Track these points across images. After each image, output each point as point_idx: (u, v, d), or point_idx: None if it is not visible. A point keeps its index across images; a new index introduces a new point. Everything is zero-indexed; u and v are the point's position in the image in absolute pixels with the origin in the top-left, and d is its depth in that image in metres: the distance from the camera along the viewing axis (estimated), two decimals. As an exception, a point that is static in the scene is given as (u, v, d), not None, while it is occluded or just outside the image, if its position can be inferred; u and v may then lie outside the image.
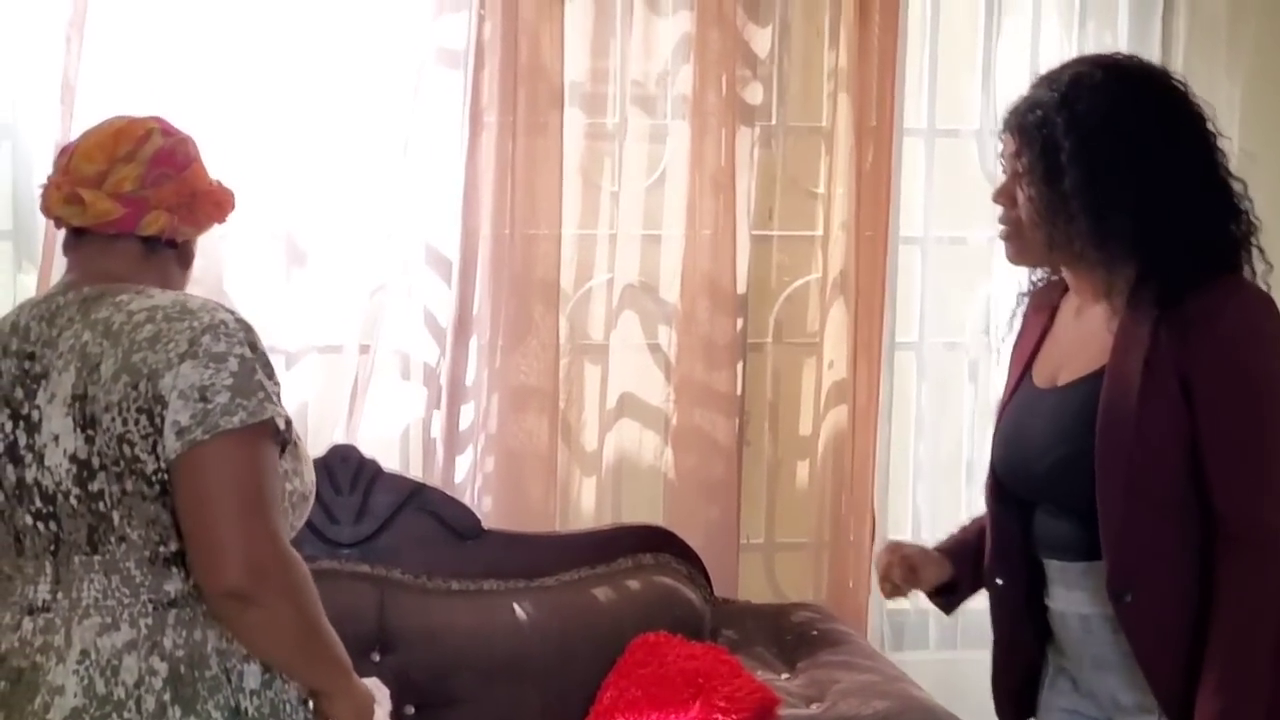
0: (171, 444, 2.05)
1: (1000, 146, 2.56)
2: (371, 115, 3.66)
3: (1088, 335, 2.51)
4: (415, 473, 3.72)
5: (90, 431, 2.08)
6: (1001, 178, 2.54)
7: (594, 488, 3.82)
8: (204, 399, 2.06)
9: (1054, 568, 2.54)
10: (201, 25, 3.52)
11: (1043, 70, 3.82)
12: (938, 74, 4.03)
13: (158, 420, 2.06)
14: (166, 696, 2.08)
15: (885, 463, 4.01)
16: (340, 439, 3.62)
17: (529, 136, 3.64)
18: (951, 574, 2.74)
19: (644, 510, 3.82)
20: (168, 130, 2.29)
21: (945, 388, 4.14)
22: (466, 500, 3.68)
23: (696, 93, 3.72)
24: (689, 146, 3.74)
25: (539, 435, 3.70)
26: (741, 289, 3.81)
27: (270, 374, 2.14)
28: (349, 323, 3.67)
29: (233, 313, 2.16)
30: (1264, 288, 2.45)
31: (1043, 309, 2.66)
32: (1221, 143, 2.47)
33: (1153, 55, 3.79)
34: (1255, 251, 2.45)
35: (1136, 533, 2.40)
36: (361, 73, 3.62)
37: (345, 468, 3.57)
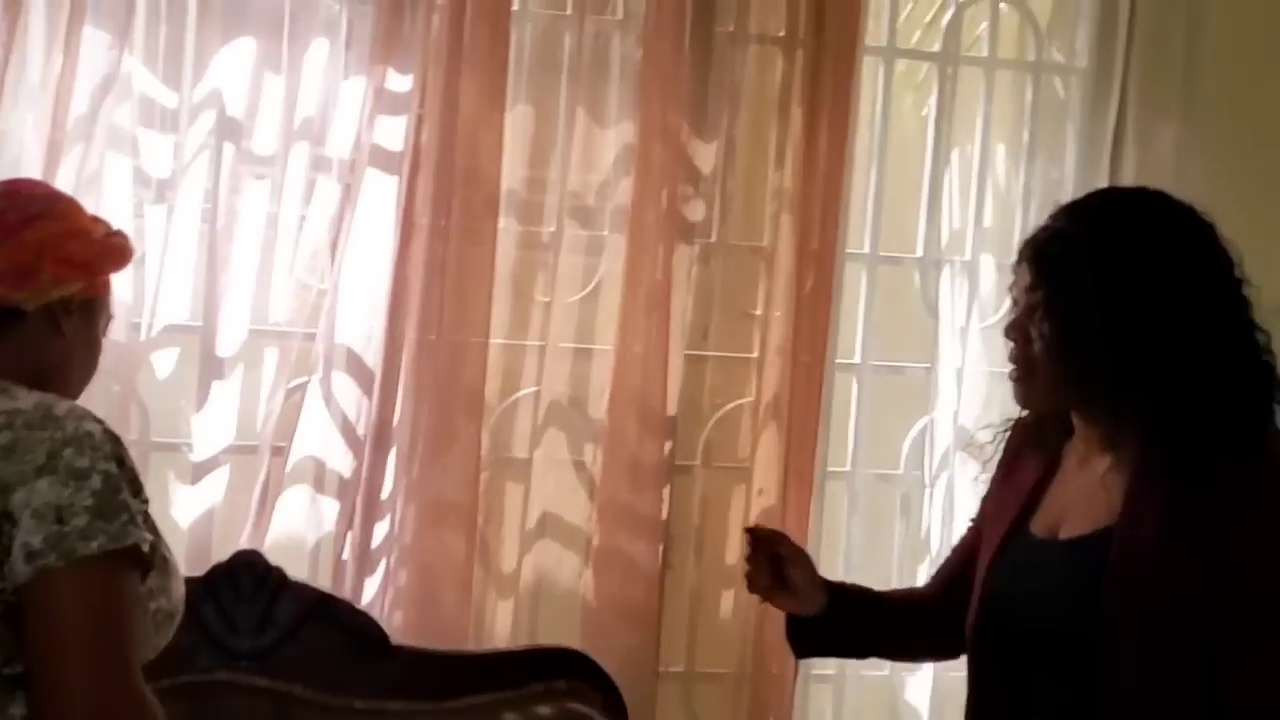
0: (21, 568, 1.92)
1: (1015, 278, 2.51)
2: (303, 213, 3.60)
3: (1093, 487, 2.44)
4: (324, 584, 3.63)
5: None
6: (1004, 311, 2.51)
7: (510, 609, 3.74)
8: (60, 520, 1.93)
9: None
10: (119, 117, 3.48)
11: (989, 200, 3.94)
12: (883, 200, 4.01)
13: (5, 539, 1.93)
14: None
15: (812, 596, 3.95)
16: (246, 545, 3.54)
17: (462, 242, 3.59)
18: (823, 607, 2.70)
19: (561, 633, 3.74)
20: (7, 190, 2.20)
21: (876, 521, 4.09)
22: (376, 615, 3.59)
23: (636, 206, 3.68)
24: (625, 260, 3.70)
25: (455, 551, 3.63)
26: (672, 410, 3.76)
27: (137, 491, 2.04)
28: (263, 423, 3.60)
29: (101, 423, 2.05)
30: None
31: (1039, 451, 2.59)
32: (1247, 290, 2.43)
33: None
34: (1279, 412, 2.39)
35: (1143, 707, 2.34)
36: (293, 170, 3.57)
37: (249, 574, 3.48)
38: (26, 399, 2.05)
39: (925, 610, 2.83)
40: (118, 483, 2.00)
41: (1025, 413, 2.67)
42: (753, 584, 2.76)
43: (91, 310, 2.25)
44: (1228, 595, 2.30)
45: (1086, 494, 2.46)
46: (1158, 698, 2.33)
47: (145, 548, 2.01)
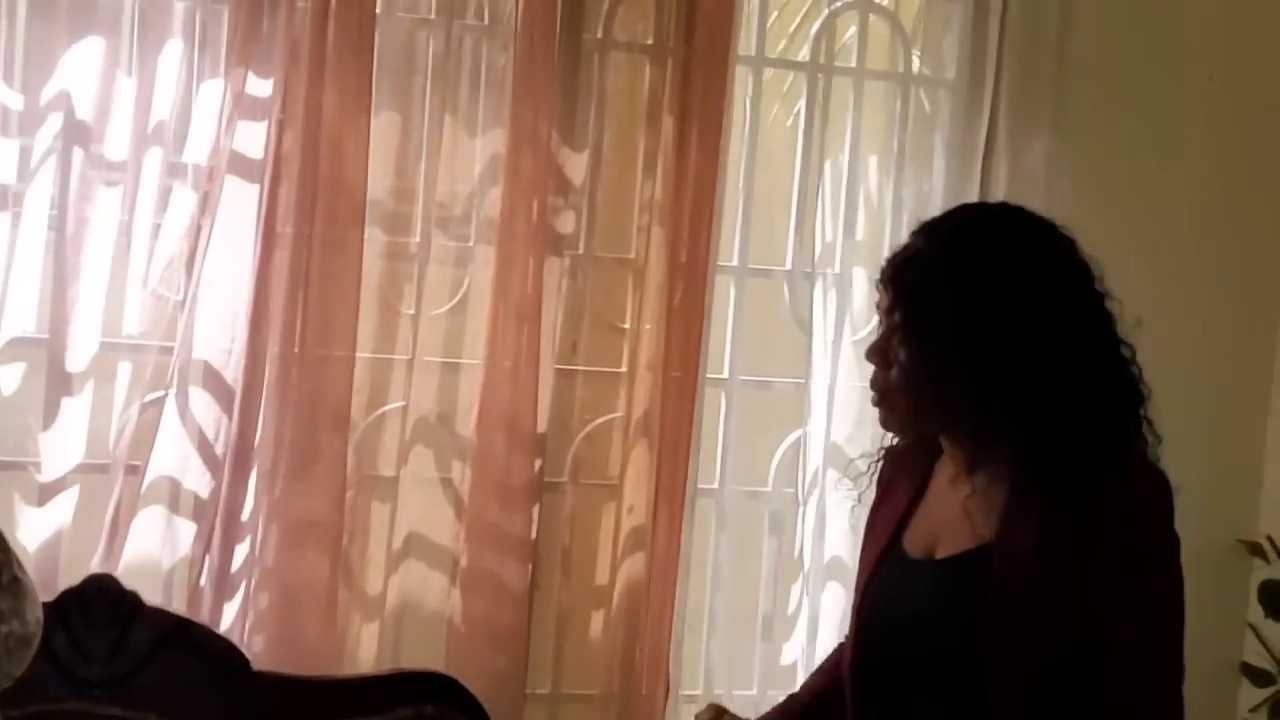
0: None
1: (878, 299, 2.47)
2: (157, 221, 3.48)
3: (966, 506, 2.40)
4: (180, 609, 3.51)
5: None
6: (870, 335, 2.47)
7: (375, 632, 3.64)
8: None
9: None
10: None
11: (861, 213, 3.92)
12: (751, 211, 3.97)
13: None
14: None
15: (680, 614, 3.88)
16: (98, 568, 3.41)
17: (326, 252, 3.49)
18: None
19: (427, 656, 3.65)
20: None
21: (745, 539, 4.04)
22: (236, 640, 3.48)
23: (505, 217, 3.60)
24: (494, 272, 3.62)
25: (319, 573, 3.53)
26: (542, 427, 3.68)
27: None
28: (116, 440, 3.48)
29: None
30: (1155, 459, 2.39)
31: (911, 472, 2.55)
32: (1110, 304, 2.40)
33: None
34: (1145, 424, 2.39)
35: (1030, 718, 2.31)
36: (147, 176, 3.44)
37: (102, 599, 3.35)
38: None
39: None
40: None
41: (895, 440, 2.64)
42: None
43: None
44: (1105, 607, 2.30)
45: (959, 513, 2.42)
46: (1042, 712, 2.32)
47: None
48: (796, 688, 3.82)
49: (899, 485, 2.60)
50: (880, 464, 2.67)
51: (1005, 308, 2.33)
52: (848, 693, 2.58)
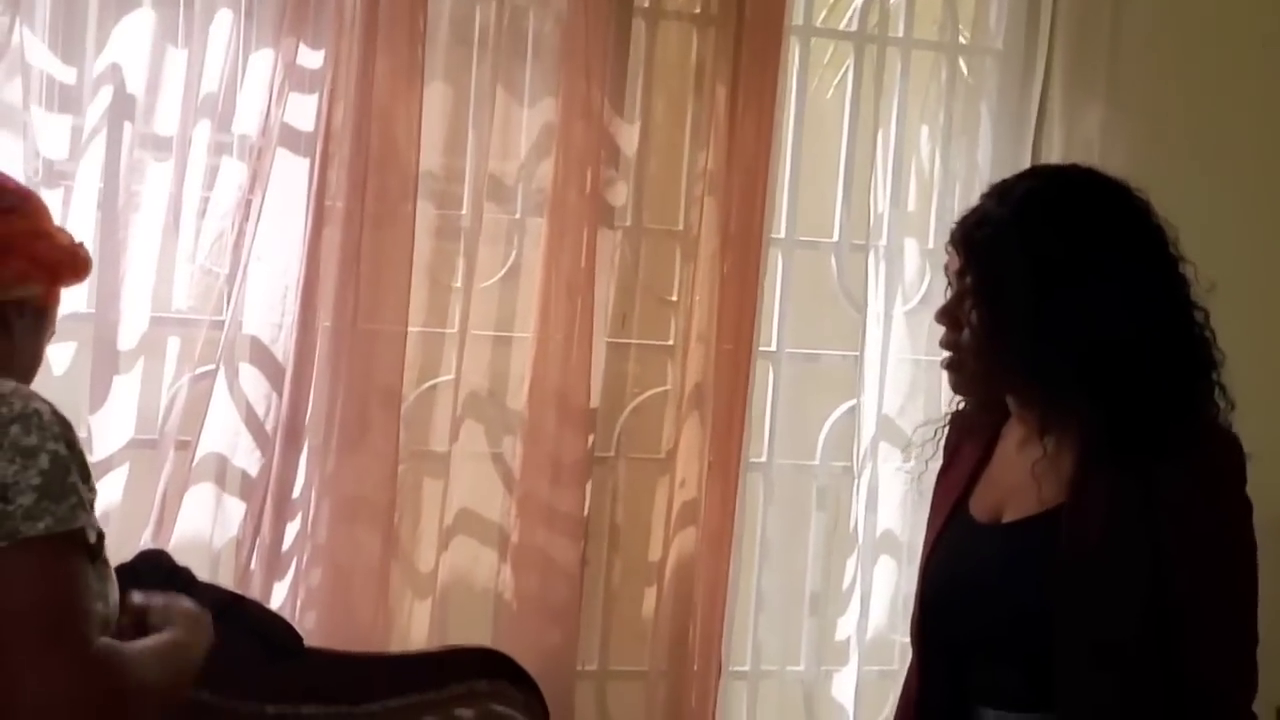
0: None
1: (945, 260, 2.47)
2: (205, 195, 3.48)
3: (1035, 470, 2.40)
4: (229, 586, 3.52)
5: None
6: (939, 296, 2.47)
7: (427, 609, 3.65)
8: (4, 498, 1.87)
9: (990, 717, 2.45)
10: (10, 93, 3.34)
11: (912, 184, 3.92)
12: (800, 183, 3.98)
13: None
14: None
15: (732, 590, 3.90)
16: (148, 546, 3.43)
17: (377, 227, 3.50)
18: None
19: (478, 632, 3.67)
20: None
21: (793, 513, 4.05)
22: (288, 614, 3.49)
23: (557, 188, 3.61)
24: (545, 245, 3.63)
25: (370, 550, 3.55)
26: (595, 402, 3.69)
27: (85, 477, 1.96)
28: (165, 416, 3.49)
29: (49, 404, 1.98)
30: (1227, 424, 2.39)
31: (977, 436, 2.56)
32: (1184, 267, 2.40)
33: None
34: (1218, 389, 2.39)
35: (1097, 686, 2.32)
36: (196, 150, 3.44)
37: (154, 575, 3.34)
38: None
39: None
40: (67, 464, 1.93)
41: (963, 404, 2.64)
42: None
43: (42, 318, 2.18)
44: (1176, 573, 2.31)
45: (1027, 478, 2.43)
46: (1111, 678, 2.33)
47: (92, 537, 1.95)
48: (851, 663, 3.89)
49: (965, 450, 2.61)
50: (946, 429, 2.68)
51: (1079, 271, 2.34)
52: (914, 656, 2.60)
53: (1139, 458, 2.31)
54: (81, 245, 2.19)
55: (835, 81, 4.12)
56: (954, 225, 2.49)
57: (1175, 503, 2.30)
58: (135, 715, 1.93)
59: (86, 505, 1.94)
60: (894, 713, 2.77)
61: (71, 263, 2.16)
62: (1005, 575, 2.42)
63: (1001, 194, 2.45)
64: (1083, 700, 2.33)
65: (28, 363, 2.17)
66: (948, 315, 2.46)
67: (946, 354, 2.50)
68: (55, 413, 1.97)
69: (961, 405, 2.65)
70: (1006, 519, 2.47)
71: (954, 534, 2.54)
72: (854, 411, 3.98)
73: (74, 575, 1.92)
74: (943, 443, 2.69)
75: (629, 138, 3.72)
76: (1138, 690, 2.33)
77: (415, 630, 3.66)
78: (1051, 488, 2.39)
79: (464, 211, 3.65)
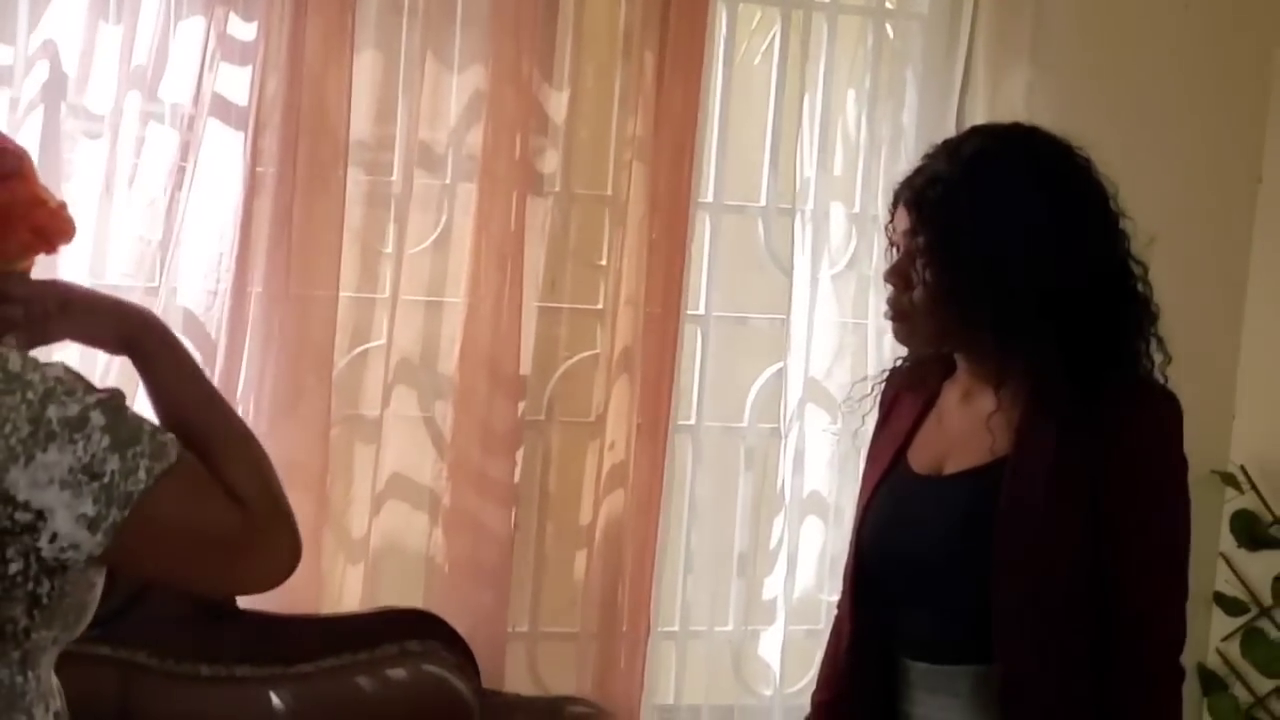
0: (88, 541, 1.87)
1: (890, 219, 2.59)
2: (135, 162, 3.60)
3: (978, 423, 2.53)
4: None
5: None
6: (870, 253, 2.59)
7: (360, 572, 3.79)
8: (95, 475, 1.86)
9: (918, 670, 2.56)
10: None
11: (839, 148, 4.04)
12: (728, 148, 4.12)
13: (3, 523, 1.87)
14: None
15: (660, 551, 4.04)
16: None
17: (309, 194, 3.62)
18: None
19: (411, 595, 3.81)
20: None
21: (722, 475, 4.20)
22: (221, 579, 3.62)
23: (487, 154, 3.75)
24: (475, 211, 3.76)
25: (304, 514, 3.65)
26: (525, 369, 3.84)
27: (124, 400, 1.95)
28: (101, 382, 3.58)
29: (53, 364, 1.94)
30: (1162, 379, 2.54)
31: (916, 391, 2.68)
32: (1124, 223, 2.54)
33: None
34: (1155, 341, 2.53)
35: (1035, 637, 2.45)
36: (128, 120, 3.56)
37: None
38: None
39: None
40: (113, 405, 1.92)
41: (900, 360, 2.77)
42: None
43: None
44: (1115, 525, 2.43)
45: (970, 430, 2.56)
46: (1049, 628, 2.46)
47: (175, 443, 1.94)
48: (778, 622, 4.03)
49: (904, 403, 2.71)
50: (882, 385, 2.79)
51: (1028, 228, 2.46)
52: (849, 604, 2.70)
53: (1082, 413, 2.43)
54: (64, 205, 2.15)
55: (763, 47, 4.24)
56: (900, 185, 2.59)
57: (1116, 454, 2.43)
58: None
59: (149, 425, 1.94)
60: (819, 668, 2.88)
61: (64, 228, 2.13)
62: (946, 523, 2.53)
63: (950, 153, 2.56)
64: (1019, 648, 2.45)
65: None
66: (898, 275, 2.55)
67: (893, 313, 2.59)
68: (64, 368, 1.95)
69: (899, 362, 2.78)
70: (948, 470, 2.58)
71: (893, 485, 2.65)
72: (781, 374, 4.12)
73: (199, 479, 1.94)
74: (879, 399, 2.80)
75: (558, 105, 3.85)
76: (1074, 639, 2.46)
77: (348, 593, 3.80)
78: (995, 441, 2.51)
79: (395, 178, 3.78)
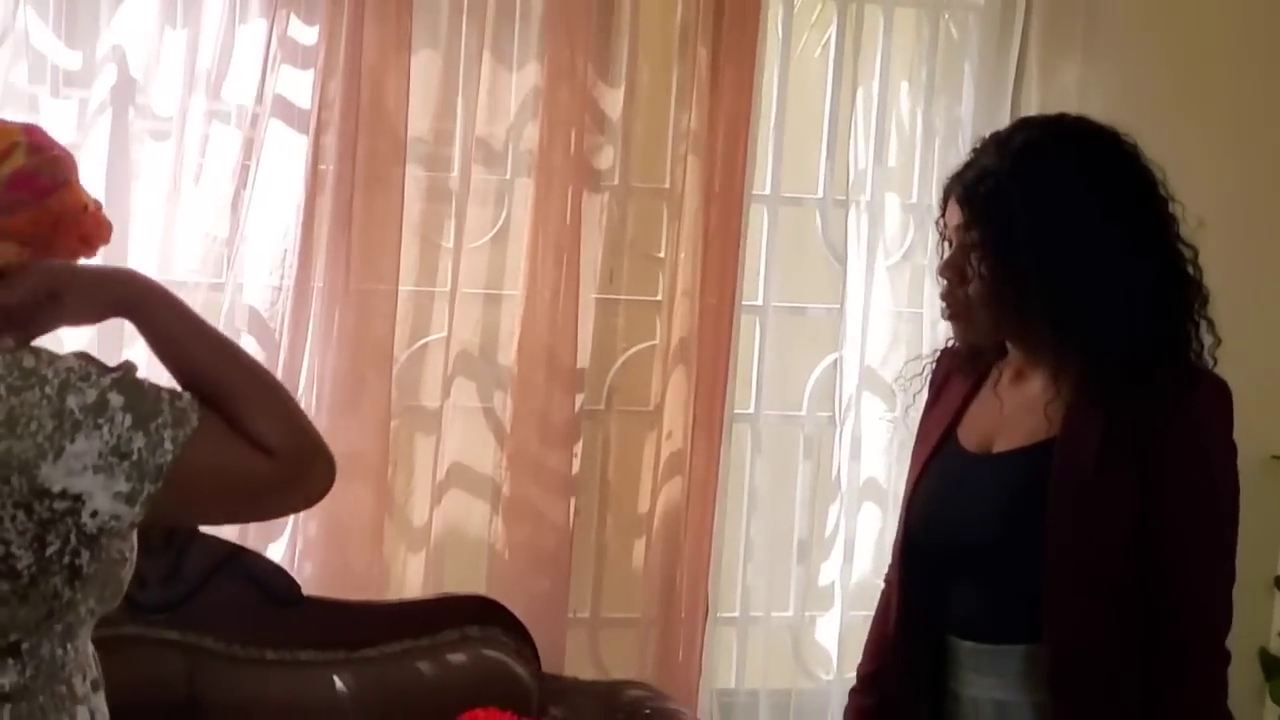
0: (128, 513, 1.98)
1: (941, 215, 2.66)
2: (204, 166, 3.74)
3: (1029, 404, 2.60)
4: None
5: None
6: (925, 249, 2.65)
7: (421, 561, 3.92)
8: (124, 455, 1.95)
9: (967, 649, 2.62)
10: (16, 75, 3.58)
11: (893, 139, 4.12)
12: (784, 141, 4.21)
13: (41, 518, 1.98)
14: None
15: (718, 538, 4.15)
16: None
17: (369, 191, 3.75)
18: None
19: (471, 583, 3.94)
20: (37, 145, 2.12)
21: (780, 463, 4.30)
22: (286, 565, 3.76)
23: (543, 150, 3.86)
24: (533, 205, 3.88)
25: (364, 503, 3.80)
26: (583, 362, 3.95)
27: (136, 371, 2.03)
28: (168, 379, 3.71)
29: (66, 355, 2.02)
30: (1210, 362, 2.59)
31: (968, 370, 2.74)
32: (1173, 207, 2.59)
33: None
34: (1205, 324, 2.59)
35: (1083, 617, 2.51)
36: (194, 122, 3.70)
37: (156, 527, 3.61)
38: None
39: None
40: (128, 381, 1.99)
41: (950, 341, 2.84)
42: None
43: None
44: (1162, 506, 2.49)
45: (1021, 410, 2.62)
46: (1097, 607, 2.52)
47: (194, 406, 2.01)
48: (835, 608, 4.11)
49: (954, 383, 2.79)
50: (935, 366, 2.87)
51: (1079, 218, 2.52)
52: (898, 579, 2.77)
53: (1132, 396, 2.50)
54: (100, 206, 2.23)
55: (822, 40, 4.31)
56: (950, 180, 2.67)
57: (1164, 442, 2.49)
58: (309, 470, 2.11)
59: (167, 393, 2.01)
60: (865, 642, 2.96)
61: (102, 232, 2.21)
62: (995, 501, 2.59)
63: (998, 146, 2.62)
64: (1068, 627, 2.51)
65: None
66: (953, 269, 2.63)
67: (949, 311, 2.67)
68: (76, 355, 2.03)
69: (949, 342, 2.85)
70: (998, 449, 2.64)
71: (943, 463, 2.71)
72: (837, 363, 4.22)
73: (223, 437, 2.00)
74: (929, 379, 2.88)
75: (613, 101, 3.96)
76: (1122, 620, 2.51)
77: (410, 580, 3.93)
78: (1045, 421, 2.58)
79: (453, 174, 3.90)
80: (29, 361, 1.99)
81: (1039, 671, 2.55)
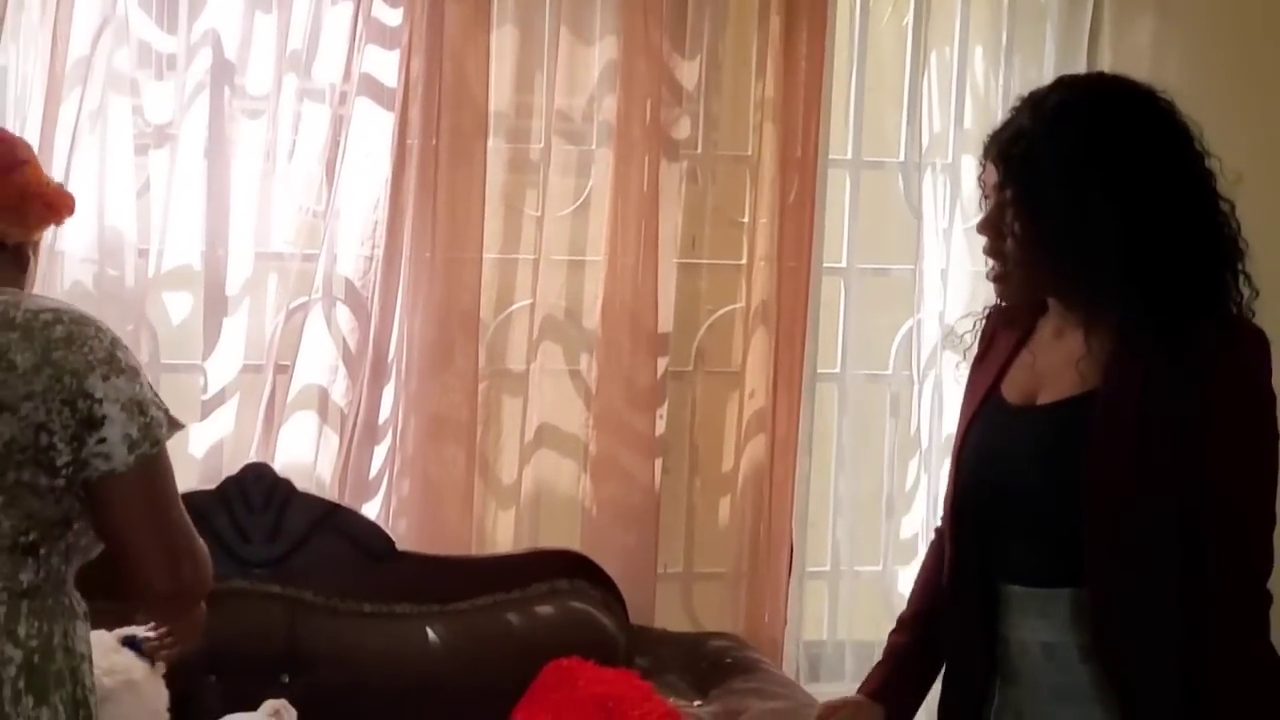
0: (122, 456, 2.36)
1: (981, 173, 2.73)
2: (297, 142, 3.96)
3: (1070, 356, 2.66)
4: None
5: None
6: (973, 207, 2.74)
7: (511, 519, 4.13)
8: (142, 412, 2.38)
9: (1015, 594, 2.69)
10: (118, 60, 3.81)
11: (969, 102, 4.23)
12: (864, 106, 4.37)
13: (81, 416, 2.34)
14: (21, 684, 2.35)
15: (805, 495, 4.32)
16: (254, 459, 3.92)
17: (452, 163, 3.96)
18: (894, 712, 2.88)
19: (562, 539, 4.13)
20: None
21: (866, 421, 4.46)
22: (381, 522, 3.99)
23: (621, 120, 4.05)
24: (612, 174, 4.07)
25: (456, 465, 4.02)
26: (664, 325, 4.14)
27: None
28: (269, 344, 3.98)
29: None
30: (1249, 314, 2.64)
31: (1014, 325, 2.81)
32: (1210, 162, 2.63)
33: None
34: (1242, 277, 2.63)
35: (1124, 561, 2.58)
36: (286, 99, 3.92)
37: (258, 486, 3.85)
38: (47, 299, 2.51)
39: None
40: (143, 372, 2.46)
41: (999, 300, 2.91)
42: None
43: (37, 251, 2.67)
44: (1202, 455, 2.53)
45: (1063, 363, 2.67)
46: (1137, 552, 2.57)
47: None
48: (916, 560, 4.23)
49: (1001, 339, 2.85)
50: (984, 322, 2.93)
51: (1111, 174, 2.57)
52: (947, 532, 2.85)
53: (1170, 349, 2.55)
54: (61, 186, 2.66)
55: (896, 6, 4.43)
56: (989, 140, 2.73)
57: (1204, 386, 2.53)
58: (203, 593, 2.58)
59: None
60: (909, 595, 3.06)
61: (67, 202, 2.62)
62: (1038, 453, 2.65)
63: (1033, 107, 2.67)
64: (1109, 572, 2.57)
65: (32, 289, 2.66)
66: (990, 226, 2.69)
67: (993, 273, 2.74)
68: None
69: (998, 301, 2.90)
70: (1041, 401, 2.70)
71: (989, 416, 2.78)
72: (918, 322, 4.37)
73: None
74: (980, 333, 2.95)
75: (689, 72, 4.15)
76: (1162, 564, 2.57)
77: (501, 537, 4.16)
78: (1087, 373, 2.64)
79: (539, 144, 4.11)
80: (77, 311, 2.45)
81: (1084, 614, 2.62)
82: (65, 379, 2.34)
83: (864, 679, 2.94)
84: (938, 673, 2.90)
